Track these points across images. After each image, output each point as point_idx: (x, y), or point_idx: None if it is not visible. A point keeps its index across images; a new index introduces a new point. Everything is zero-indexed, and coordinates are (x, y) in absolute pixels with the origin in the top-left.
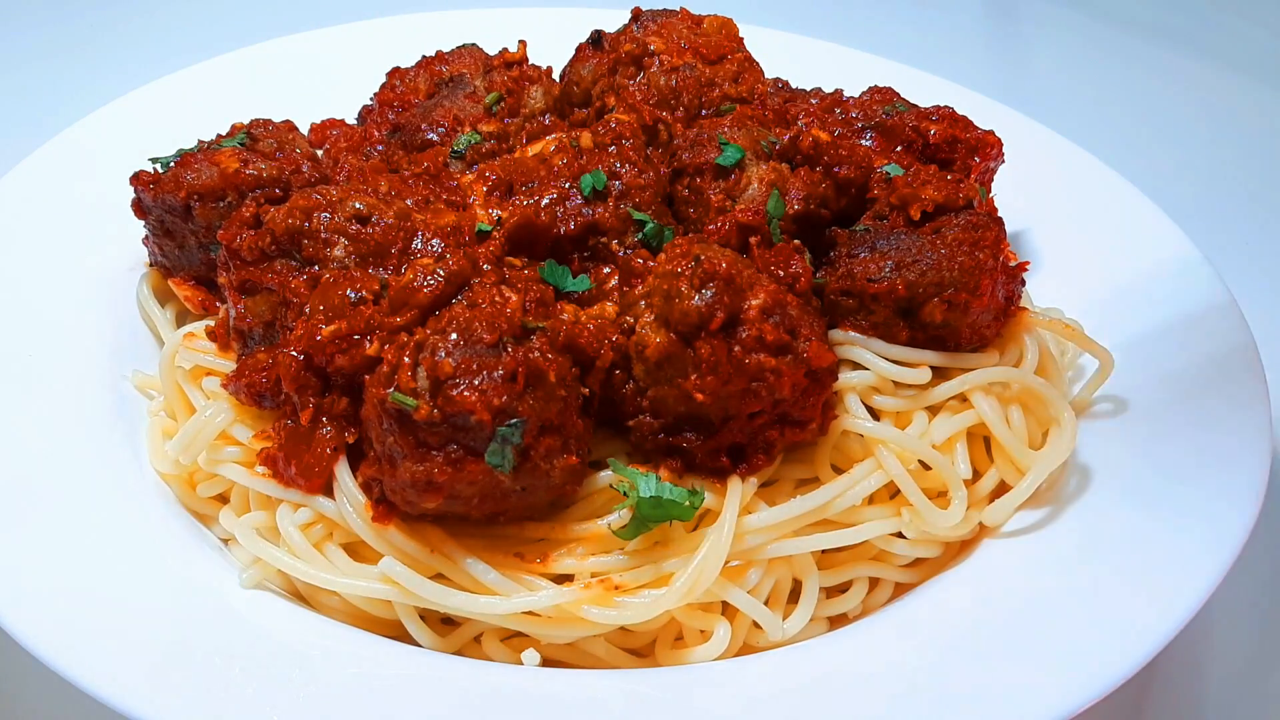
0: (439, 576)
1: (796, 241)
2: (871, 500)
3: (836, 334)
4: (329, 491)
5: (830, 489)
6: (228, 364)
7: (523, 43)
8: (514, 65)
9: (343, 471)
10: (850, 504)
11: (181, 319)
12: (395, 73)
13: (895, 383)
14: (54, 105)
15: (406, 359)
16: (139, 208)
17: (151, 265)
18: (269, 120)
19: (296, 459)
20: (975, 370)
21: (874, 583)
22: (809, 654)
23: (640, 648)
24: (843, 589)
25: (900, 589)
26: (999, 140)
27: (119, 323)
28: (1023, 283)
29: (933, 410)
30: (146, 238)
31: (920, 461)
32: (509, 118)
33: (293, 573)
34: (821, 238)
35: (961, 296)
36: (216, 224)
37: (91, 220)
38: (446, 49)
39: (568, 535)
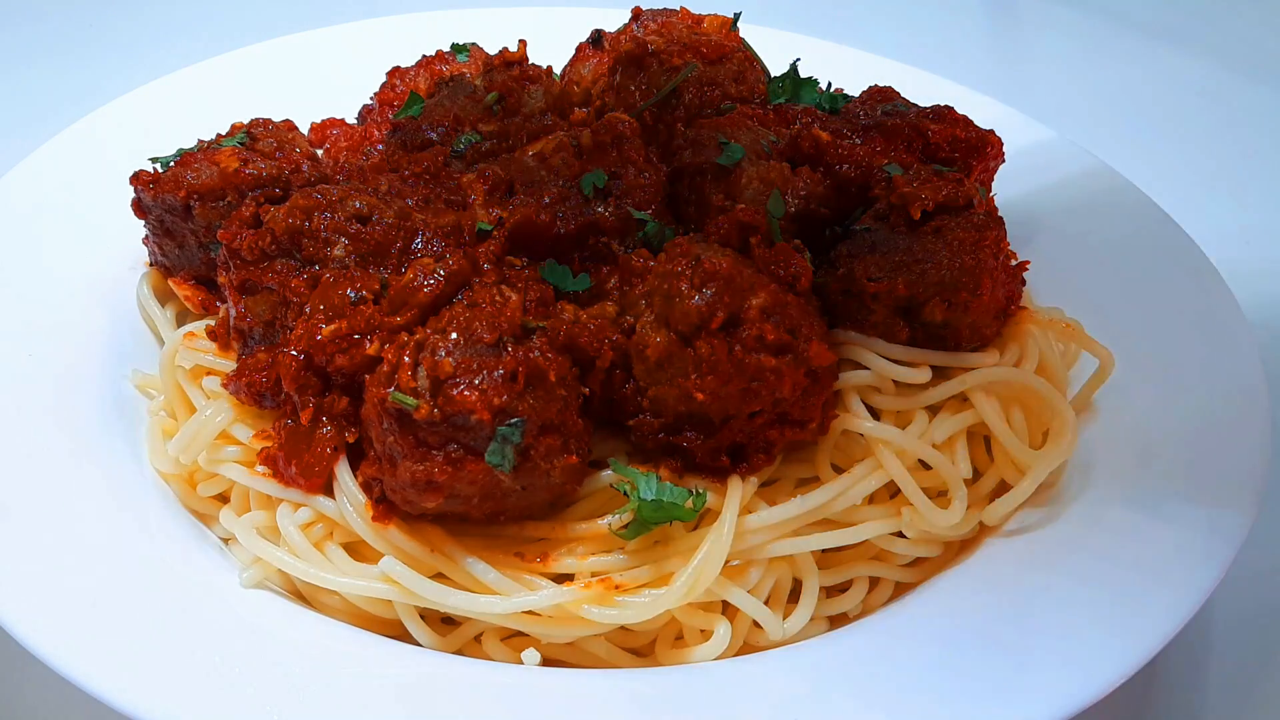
0: (439, 576)
1: (797, 241)
2: (871, 500)
3: (837, 333)
4: (329, 491)
5: (830, 488)
6: (228, 364)
7: (523, 42)
8: (514, 65)
9: (343, 471)
10: (850, 503)
11: (182, 319)
12: (395, 72)
13: (895, 382)
14: (54, 105)
15: (406, 358)
16: (139, 207)
17: (152, 265)
18: (269, 120)
19: (296, 458)
20: (975, 370)
21: (874, 582)
22: (809, 653)
23: (640, 647)
24: (843, 588)
25: (900, 589)
26: (999, 140)
27: (119, 323)
28: (1023, 282)
29: (933, 410)
30: (146, 237)
31: (920, 461)
32: (509, 117)
33: (293, 572)
34: (822, 237)
35: (962, 296)
36: (216, 223)
37: (91, 220)
38: (446, 49)
39: (568, 535)
